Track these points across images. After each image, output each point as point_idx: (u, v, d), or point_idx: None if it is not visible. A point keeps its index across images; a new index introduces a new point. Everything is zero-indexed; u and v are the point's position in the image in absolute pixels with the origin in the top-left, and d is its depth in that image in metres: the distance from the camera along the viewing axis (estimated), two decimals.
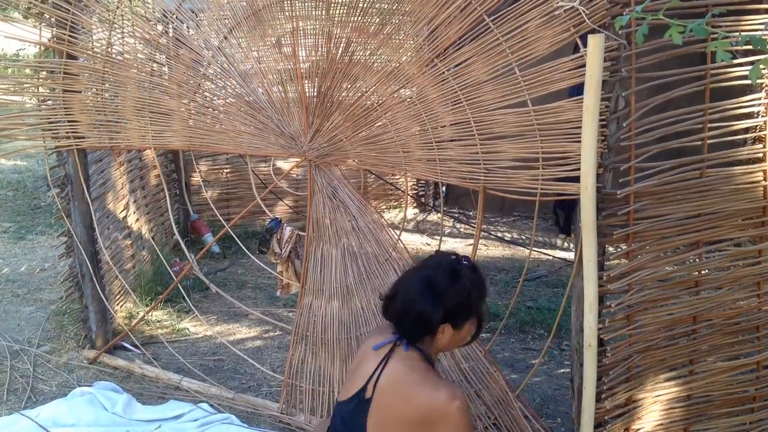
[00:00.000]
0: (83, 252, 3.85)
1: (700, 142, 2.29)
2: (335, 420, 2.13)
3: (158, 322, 4.45)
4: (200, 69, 3.34)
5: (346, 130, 3.04)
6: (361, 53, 2.93)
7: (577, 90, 2.22)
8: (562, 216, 6.32)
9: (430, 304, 2.01)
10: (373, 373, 2.02)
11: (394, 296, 2.09)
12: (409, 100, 2.84)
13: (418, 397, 1.94)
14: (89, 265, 3.87)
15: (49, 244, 5.78)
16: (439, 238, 5.40)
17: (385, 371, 2.01)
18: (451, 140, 2.69)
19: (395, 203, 6.86)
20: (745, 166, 2.37)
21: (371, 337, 2.19)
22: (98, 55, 3.55)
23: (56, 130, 3.69)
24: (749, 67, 1.90)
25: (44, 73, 3.74)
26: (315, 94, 3.07)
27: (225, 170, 6.28)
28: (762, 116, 2.36)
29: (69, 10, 3.48)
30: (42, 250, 5.73)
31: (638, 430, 2.41)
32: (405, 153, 2.87)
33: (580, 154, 2.17)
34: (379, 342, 2.09)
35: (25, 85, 3.96)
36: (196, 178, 6.07)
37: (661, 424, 2.42)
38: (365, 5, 2.84)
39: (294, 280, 3.35)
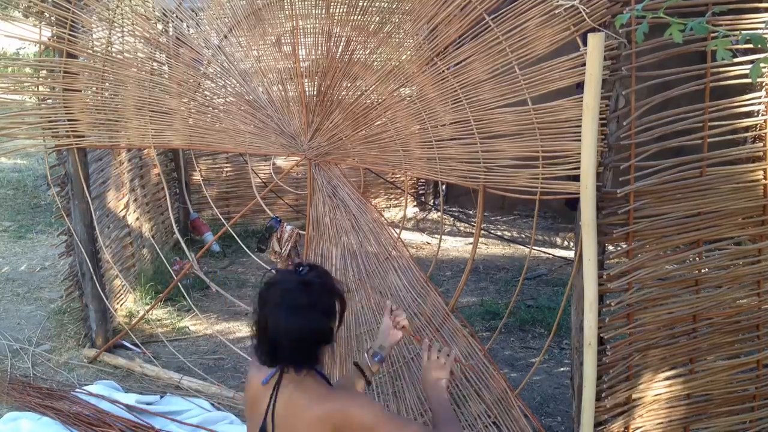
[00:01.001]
0: (83, 251, 3.85)
1: (700, 141, 2.29)
2: None
3: (158, 320, 4.45)
4: (200, 68, 3.34)
5: (345, 128, 3.04)
6: (361, 52, 2.93)
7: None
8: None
9: (315, 321, 1.96)
10: (267, 408, 1.98)
11: (271, 339, 2.04)
12: (408, 98, 2.83)
13: (314, 413, 1.90)
14: (89, 264, 3.87)
15: (49, 242, 5.77)
16: (439, 236, 5.39)
17: (279, 402, 1.96)
18: (451, 139, 2.69)
19: (395, 202, 6.86)
20: (745, 165, 2.37)
21: (255, 371, 2.11)
22: (98, 54, 3.55)
23: (56, 128, 3.69)
24: (749, 66, 1.90)
25: (44, 71, 3.74)
26: (315, 92, 3.07)
27: (225, 169, 6.28)
28: (762, 115, 2.36)
29: (69, 9, 3.48)
30: (42, 248, 5.73)
31: (638, 428, 2.41)
32: (405, 152, 2.87)
33: (580, 153, 2.17)
34: (266, 375, 2.04)
35: (25, 84, 3.96)
36: (196, 177, 6.07)
37: (661, 423, 2.43)
38: (365, 4, 2.84)
39: None
